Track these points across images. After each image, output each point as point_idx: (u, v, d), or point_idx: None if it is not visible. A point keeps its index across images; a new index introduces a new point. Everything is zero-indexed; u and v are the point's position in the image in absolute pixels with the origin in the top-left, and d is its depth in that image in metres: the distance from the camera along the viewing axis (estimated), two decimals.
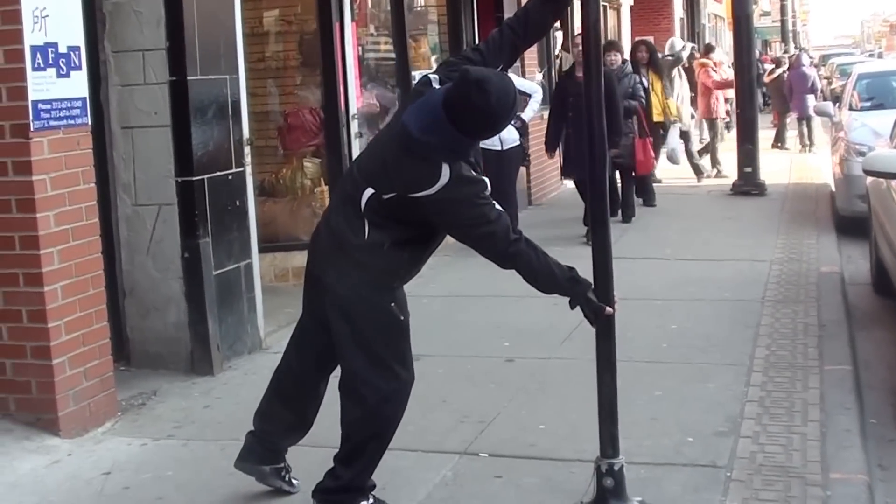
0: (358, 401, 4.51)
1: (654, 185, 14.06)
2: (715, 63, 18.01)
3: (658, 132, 13.81)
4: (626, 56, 14.06)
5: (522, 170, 12.41)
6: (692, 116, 17.00)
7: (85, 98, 5.87)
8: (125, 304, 6.99)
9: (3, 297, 5.65)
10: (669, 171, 15.68)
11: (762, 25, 44.60)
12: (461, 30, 12.30)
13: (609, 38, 17.89)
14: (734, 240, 11.21)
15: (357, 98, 9.68)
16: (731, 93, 17.22)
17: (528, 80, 12.29)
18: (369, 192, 4.31)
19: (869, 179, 8.59)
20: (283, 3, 10.16)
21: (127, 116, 6.85)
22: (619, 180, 12.42)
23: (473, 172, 4.28)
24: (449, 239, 4.62)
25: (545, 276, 4.39)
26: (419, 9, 12.47)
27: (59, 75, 5.64)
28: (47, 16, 5.52)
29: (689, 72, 17.21)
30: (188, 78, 6.74)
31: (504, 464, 5.28)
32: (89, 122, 5.95)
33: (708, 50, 19.56)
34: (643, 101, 12.64)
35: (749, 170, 14.71)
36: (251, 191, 7.52)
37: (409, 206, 4.27)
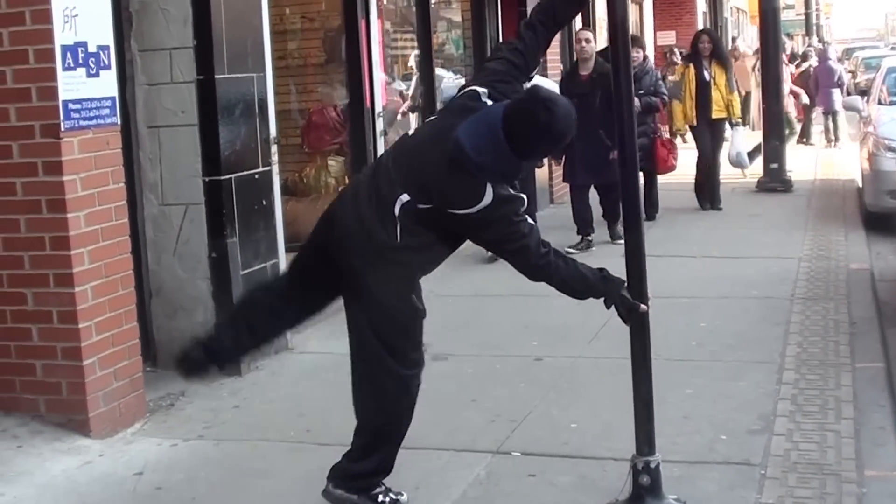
0: (378, 388, 4.49)
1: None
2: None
3: (718, 129, 13.24)
4: (649, 52, 13.87)
5: (543, 169, 12.35)
6: None
7: (114, 97, 5.86)
8: (151, 304, 6.99)
9: (33, 297, 5.65)
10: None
11: (785, 19, 44.41)
12: (485, 25, 12.24)
13: (631, 32, 17.71)
14: (761, 237, 11.15)
15: (382, 95, 9.65)
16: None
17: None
18: (405, 198, 4.28)
19: None
20: (308, 0, 10.13)
21: (153, 116, 6.84)
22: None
23: (512, 190, 4.28)
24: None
25: (577, 281, 4.41)
26: (443, 4, 12.43)
27: (89, 75, 5.63)
28: (77, 15, 5.51)
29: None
30: (216, 76, 6.72)
31: (537, 462, 5.25)
32: (118, 122, 5.94)
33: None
34: (665, 98, 12.20)
35: (775, 166, 14.61)
36: (278, 190, 7.50)
37: (445, 218, 4.28)
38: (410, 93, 11.54)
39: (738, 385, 6.31)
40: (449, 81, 11.75)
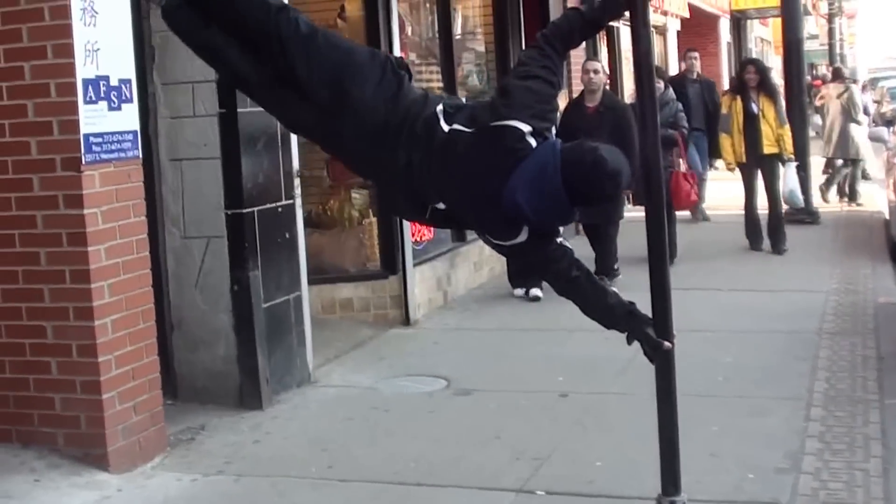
0: None
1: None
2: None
3: (770, 165, 12.16)
4: (668, 77, 13.56)
5: None
6: None
7: (136, 131, 5.86)
8: (173, 337, 6.96)
9: (53, 330, 5.63)
10: (717, 199, 15.42)
11: (809, 49, 44.39)
12: (509, 56, 12.21)
13: (655, 62, 17.56)
14: (788, 269, 11.05)
15: None
16: None
17: None
18: (441, 205, 4.24)
19: None
20: None
21: (176, 149, 6.84)
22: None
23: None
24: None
25: (602, 311, 4.36)
26: (468, 36, 12.41)
27: (111, 108, 5.63)
28: (99, 49, 5.51)
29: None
30: (238, 110, 6.71)
31: (562, 502, 5.18)
32: (140, 155, 5.93)
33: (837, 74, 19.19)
34: (685, 130, 11.85)
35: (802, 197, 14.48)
36: (301, 222, 7.47)
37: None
38: None
39: (764, 422, 6.22)
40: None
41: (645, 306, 4.42)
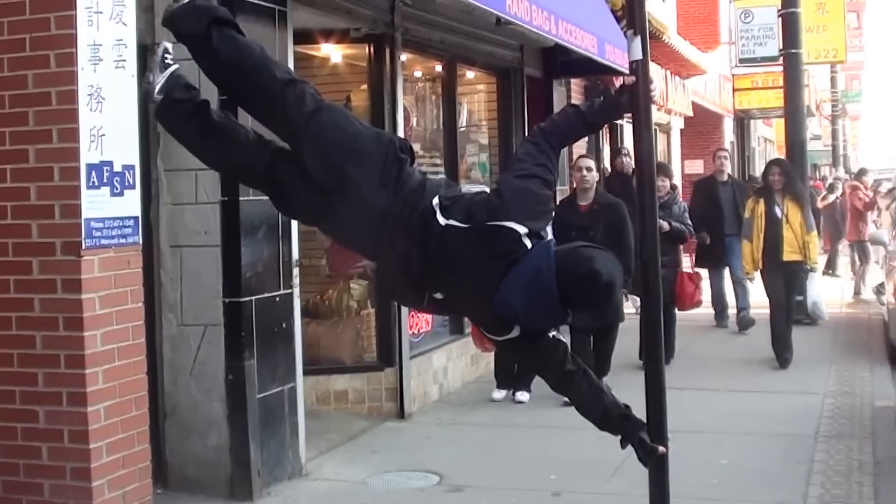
0: None
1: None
2: (866, 186, 17.63)
3: (791, 273, 11.50)
4: (675, 181, 13.38)
5: None
6: None
7: (137, 217, 5.86)
8: (166, 425, 6.91)
9: (45, 415, 5.57)
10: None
11: (812, 149, 44.82)
12: (511, 151, 12.27)
13: (658, 160, 17.64)
14: (785, 371, 11.00)
15: None
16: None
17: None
18: (438, 295, 4.19)
19: None
20: None
21: (176, 235, 6.86)
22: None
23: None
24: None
25: (595, 410, 4.35)
26: (472, 128, 12.50)
27: (113, 194, 5.64)
28: (104, 134, 5.54)
29: None
30: (240, 198, 6.73)
31: None
32: (140, 241, 5.94)
33: (861, 174, 19.25)
34: (691, 230, 11.40)
35: (800, 298, 14.43)
36: (298, 313, 7.46)
37: None
38: None
39: None
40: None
41: (639, 406, 4.40)
